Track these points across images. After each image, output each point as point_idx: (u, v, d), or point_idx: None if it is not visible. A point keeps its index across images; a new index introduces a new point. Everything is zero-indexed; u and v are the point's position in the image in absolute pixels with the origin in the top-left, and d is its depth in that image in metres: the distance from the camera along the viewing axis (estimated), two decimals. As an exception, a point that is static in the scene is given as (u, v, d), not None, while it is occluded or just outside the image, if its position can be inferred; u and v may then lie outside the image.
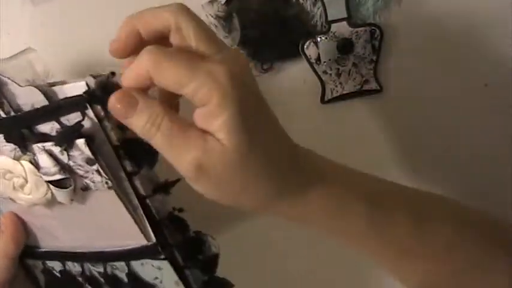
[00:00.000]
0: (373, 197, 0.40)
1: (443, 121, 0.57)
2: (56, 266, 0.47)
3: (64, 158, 0.38)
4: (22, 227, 0.45)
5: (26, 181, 0.39)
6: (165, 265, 0.43)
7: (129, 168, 0.39)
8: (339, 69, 0.55)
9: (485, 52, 0.56)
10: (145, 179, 0.40)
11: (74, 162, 0.38)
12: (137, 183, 0.40)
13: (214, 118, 0.34)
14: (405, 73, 0.56)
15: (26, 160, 0.39)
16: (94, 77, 0.37)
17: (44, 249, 0.46)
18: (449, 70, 0.56)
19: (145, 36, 0.37)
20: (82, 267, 0.46)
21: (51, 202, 0.40)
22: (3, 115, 0.38)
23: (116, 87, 0.37)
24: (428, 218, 0.41)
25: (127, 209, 0.40)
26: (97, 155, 0.37)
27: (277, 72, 0.56)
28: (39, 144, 0.38)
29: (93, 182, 0.39)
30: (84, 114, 0.36)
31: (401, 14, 0.54)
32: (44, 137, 0.38)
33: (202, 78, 0.33)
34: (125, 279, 0.45)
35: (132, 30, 0.37)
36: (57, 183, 0.39)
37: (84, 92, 0.36)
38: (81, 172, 0.38)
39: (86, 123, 0.37)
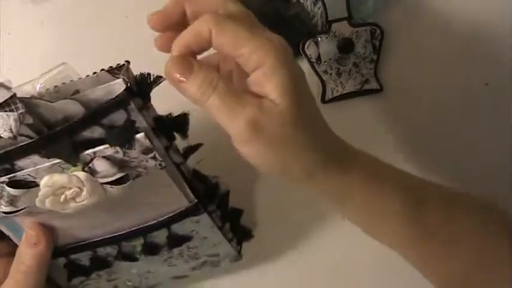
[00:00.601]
0: (406, 181, 0.42)
1: (443, 121, 0.57)
2: (81, 257, 0.48)
3: (119, 155, 0.38)
4: (51, 233, 0.45)
5: (81, 190, 0.39)
6: (204, 217, 0.45)
7: (165, 143, 0.40)
8: (339, 68, 0.55)
9: (486, 52, 0.56)
10: (176, 148, 0.43)
11: (128, 157, 0.38)
12: (171, 154, 0.41)
13: (268, 79, 0.35)
14: (405, 73, 0.56)
15: (79, 170, 0.38)
16: (115, 71, 0.38)
17: (72, 244, 0.47)
18: (449, 70, 0.56)
19: (190, 16, 0.39)
20: (119, 246, 0.47)
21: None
22: (34, 135, 0.37)
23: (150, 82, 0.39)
24: (458, 210, 0.43)
25: (172, 179, 0.42)
26: (153, 144, 0.38)
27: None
28: (90, 151, 0.37)
29: (146, 168, 0.40)
30: (127, 111, 0.37)
31: (401, 13, 0.54)
32: (93, 143, 0.38)
33: (261, 40, 0.35)
34: (164, 243, 0.47)
35: (180, 7, 0.39)
36: (115, 182, 0.39)
37: (125, 90, 0.36)
38: (134, 163, 0.39)
39: (139, 126, 0.38)
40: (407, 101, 0.57)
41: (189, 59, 0.37)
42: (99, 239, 0.46)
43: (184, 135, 0.42)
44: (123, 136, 0.37)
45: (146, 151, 0.38)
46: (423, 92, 0.56)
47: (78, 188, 0.38)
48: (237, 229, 0.52)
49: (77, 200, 0.39)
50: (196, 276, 0.54)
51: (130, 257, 0.48)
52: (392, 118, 0.57)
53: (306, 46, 0.54)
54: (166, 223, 0.45)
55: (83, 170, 0.38)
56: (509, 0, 0.55)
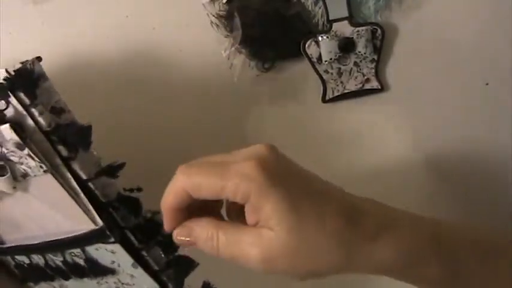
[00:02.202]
0: (441, 238, 0.40)
1: (443, 120, 0.57)
2: (24, 259, 0.48)
3: None
4: None
5: None
6: (118, 248, 0.43)
7: (64, 153, 0.39)
8: (340, 68, 0.55)
9: (486, 51, 0.56)
10: (86, 163, 0.41)
11: (7, 149, 0.38)
12: (76, 167, 0.40)
13: (260, 211, 0.35)
14: (406, 72, 0.56)
15: None
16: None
17: (7, 245, 0.47)
18: (450, 69, 0.56)
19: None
20: (44, 258, 0.46)
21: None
22: None
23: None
24: (494, 258, 0.41)
25: (68, 192, 0.40)
26: (25, 140, 0.38)
27: (279, 72, 0.56)
28: None
29: (29, 167, 0.39)
30: (8, 102, 0.37)
31: (402, 13, 0.54)
32: None
33: (235, 180, 0.35)
34: (86, 268, 0.46)
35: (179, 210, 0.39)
36: None
37: (4, 79, 0.36)
38: (15, 159, 0.39)
39: (10, 111, 0.37)
40: (408, 100, 0.57)
41: (186, 225, 0.38)
42: (24, 244, 0.45)
43: (85, 149, 0.41)
44: None
45: (19, 146, 0.38)
46: (423, 91, 0.56)
47: None
48: (181, 282, 0.46)
49: None
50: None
51: (62, 273, 0.47)
52: (392, 117, 0.57)
53: (306, 46, 0.54)
54: (78, 241, 0.43)
55: None
56: (509, 1, 0.55)
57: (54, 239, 0.44)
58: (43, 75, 0.39)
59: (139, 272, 0.44)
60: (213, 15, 0.54)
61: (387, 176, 0.58)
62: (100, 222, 0.41)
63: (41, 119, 0.38)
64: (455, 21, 0.55)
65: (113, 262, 0.45)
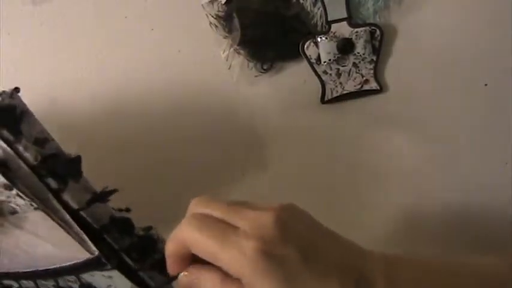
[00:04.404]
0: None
1: (443, 121, 0.57)
2: (13, 284, 0.46)
3: None
4: None
5: None
6: (115, 273, 0.42)
7: (53, 185, 0.38)
8: (339, 69, 0.55)
9: (486, 52, 0.56)
10: (77, 191, 0.39)
11: None
12: (67, 198, 0.38)
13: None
14: (405, 73, 0.56)
15: None
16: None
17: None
18: (449, 70, 0.56)
19: None
20: (36, 283, 0.45)
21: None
22: None
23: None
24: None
25: (61, 226, 0.39)
26: (13, 180, 0.36)
27: (277, 72, 0.56)
28: None
29: (18, 205, 0.38)
30: None
31: (401, 14, 0.54)
32: None
33: (232, 253, 0.34)
34: None
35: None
36: None
37: None
38: (3, 197, 0.37)
39: None
40: (407, 101, 0.57)
41: (193, 271, 0.37)
42: (13, 271, 0.44)
43: (77, 180, 0.39)
44: None
45: (7, 187, 0.36)
46: (422, 92, 0.56)
47: None
48: None
49: None
50: None
51: None
52: (391, 118, 0.57)
53: (305, 46, 0.54)
54: (74, 270, 0.42)
55: None
56: (509, 1, 0.55)
57: (47, 268, 0.42)
58: (25, 109, 0.36)
59: None
60: (212, 16, 0.54)
61: (386, 177, 0.58)
62: (95, 251, 0.40)
63: (27, 155, 0.36)
64: (454, 22, 0.55)
65: (109, 286, 0.44)
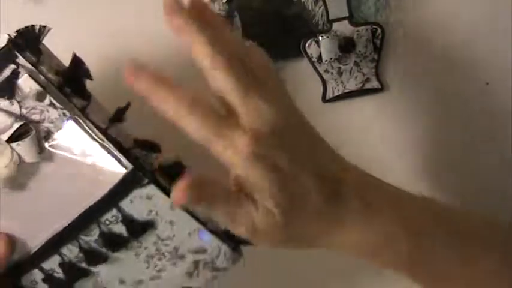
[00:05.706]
0: (413, 224, 0.40)
1: (443, 120, 0.57)
2: (53, 264, 0.44)
3: (15, 108, 0.38)
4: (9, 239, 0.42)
5: None
6: (154, 191, 0.42)
7: (78, 103, 0.40)
8: (340, 68, 0.55)
9: (486, 51, 0.56)
10: (97, 112, 0.41)
11: (26, 108, 0.39)
12: (92, 117, 0.40)
13: (245, 181, 0.36)
14: (406, 72, 0.56)
15: None
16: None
17: (35, 249, 0.44)
18: (450, 69, 0.56)
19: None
20: (79, 243, 0.43)
21: (24, 173, 0.40)
22: None
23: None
24: (473, 243, 0.41)
25: (94, 139, 0.40)
26: (45, 87, 0.38)
27: (279, 71, 0.56)
28: None
29: (52, 122, 0.39)
30: (17, 64, 0.38)
31: (402, 12, 0.54)
32: None
33: (226, 142, 0.35)
34: (124, 231, 0.43)
35: None
36: (19, 138, 0.39)
37: (8, 42, 0.38)
38: (37, 116, 0.39)
39: (23, 71, 0.38)
40: (408, 100, 0.57)
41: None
42: (46, 241, 0.43)
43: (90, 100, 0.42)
44: (6, 84, 0.38)
45: (40, 97, 0.38)
46: (424, 91, 0.56)
47: None
48: None
49: None
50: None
51: (98, 255, 0.44)
52: (393, 117, 0.57)
53: (306, 45, 0.54)
54: (110, 199, 0.42)
55: None
56: (509, 1, 0.55)
57: (86, 207, 0.42)
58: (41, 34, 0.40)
59: (179, 214, 0.43)
60: (213, 15, 0.54)
61: (387, 176, 0.58)
62: (129, 165, 0.41)
63: (50, 75, 0.39)
64: (456, 21, 0.55)
65: (150, 212, 0.43)
